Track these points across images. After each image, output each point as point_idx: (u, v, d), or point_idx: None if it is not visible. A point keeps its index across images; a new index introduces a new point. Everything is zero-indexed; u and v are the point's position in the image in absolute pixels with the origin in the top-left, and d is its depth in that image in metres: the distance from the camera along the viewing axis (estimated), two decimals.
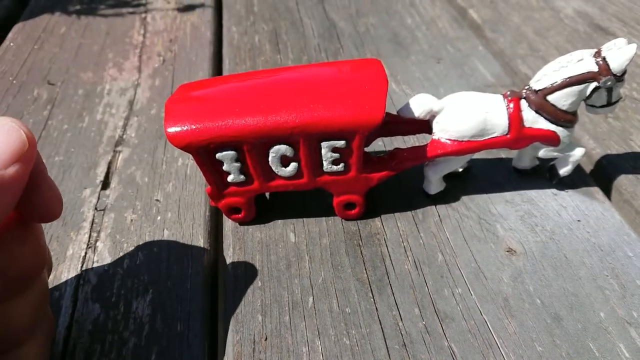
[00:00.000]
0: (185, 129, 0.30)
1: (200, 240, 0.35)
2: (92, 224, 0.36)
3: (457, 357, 0.27)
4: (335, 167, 0.32)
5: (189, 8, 0.65)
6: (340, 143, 0.30)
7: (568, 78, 0.31)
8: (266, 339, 0.29)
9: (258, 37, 0.58)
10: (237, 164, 0.31)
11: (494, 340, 0.28)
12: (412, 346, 0.28)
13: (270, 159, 0.31)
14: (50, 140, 0.44)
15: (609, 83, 0.31)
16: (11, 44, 0.59)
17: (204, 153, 0.31)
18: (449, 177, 0.36)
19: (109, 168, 0.41)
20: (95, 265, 0.33)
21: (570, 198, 0.36)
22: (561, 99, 0.32)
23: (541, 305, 0.30)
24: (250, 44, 0.57)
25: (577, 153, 0.34)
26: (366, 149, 0.33)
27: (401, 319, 0.29)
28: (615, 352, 0.27)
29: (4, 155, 0.20)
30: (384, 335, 0.29)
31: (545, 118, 0.32)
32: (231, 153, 0.31)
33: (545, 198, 0.36)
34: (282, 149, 0.31)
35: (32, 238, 0.23)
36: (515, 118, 0.32)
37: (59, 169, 0.41)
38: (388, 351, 0.28)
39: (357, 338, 0.29)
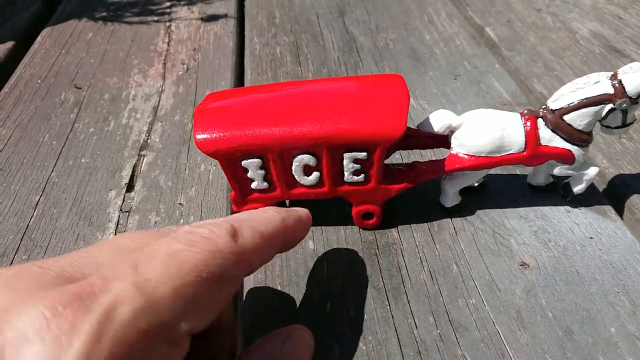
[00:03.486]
0: (213, 136, 0.31)
1: None
2: (117, 225, 0.38)
3: None
4: (355, 178, 0.33)
5: (213, 18, 0.67)
6: (362, 154, 0.31)
7: (584, 99, 0.32)
8: None
9: (279, 49, 0.60)
10: (262, 172, 0.33)
11: (507, 350, 0.29)
12: (427, 353, 0.29)
13: (293, 167, 0.32)
14: (77, 142, 0.46)
15: (624, 105, 0.31)
16: (39, 48, 0.61)
17: (231, 160, 0.32)
18: (465, 192, 0.37)
19: (133, 171, 0.43)
20: None
21: (583, 215, 0.37)
22: (577, 119, 0.32)
23: (553, 319, 0.30)
24: (271, 55, 0.58)
25: (591, 172, 0.35)
26: (385, 161, 0.34)
27: (416, 326, 0.30)
28: None
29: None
30: (399, 341, 0.30)
31: (561, 137, 0.33)
32: (256, 161, 0.32)
33: (559, 215, 0.37)
34: (306, 158, 0.32)
35: None
36: (532, 136, 0.33)
37: (85, 170, 0.43)
38: (403, 357, 0.29)
39: (374, 344, 0.30)
